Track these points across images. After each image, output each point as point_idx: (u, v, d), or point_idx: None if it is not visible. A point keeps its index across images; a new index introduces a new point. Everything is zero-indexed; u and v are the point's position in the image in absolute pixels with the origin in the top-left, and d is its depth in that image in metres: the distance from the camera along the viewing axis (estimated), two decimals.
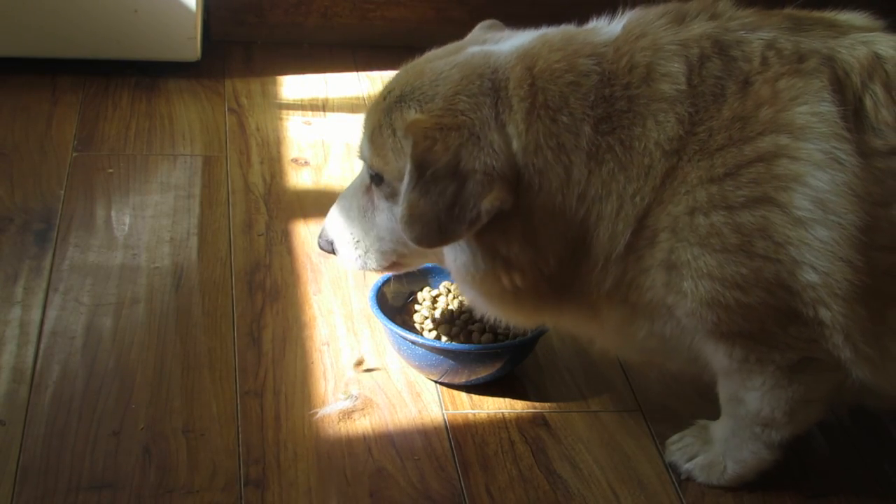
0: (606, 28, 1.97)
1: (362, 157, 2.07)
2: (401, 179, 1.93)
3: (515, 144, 1.88)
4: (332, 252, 2.19)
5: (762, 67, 1.87)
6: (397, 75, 2.04)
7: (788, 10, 1.98)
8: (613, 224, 1.90)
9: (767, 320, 1.91)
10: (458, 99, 1.90)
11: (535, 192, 1.89)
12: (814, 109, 1.83)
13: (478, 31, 2.14)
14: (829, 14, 1.98)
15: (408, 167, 1.89)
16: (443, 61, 1.98)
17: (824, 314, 1.87)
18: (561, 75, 1.90)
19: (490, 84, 1.90)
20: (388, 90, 2.01)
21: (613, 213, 1.89)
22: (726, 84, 1.87)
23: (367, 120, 2.05)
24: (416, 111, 1.92)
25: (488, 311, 2.09)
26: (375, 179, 2.05)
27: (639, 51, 1.90)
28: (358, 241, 2.12)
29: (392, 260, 2.14)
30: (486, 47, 2.00)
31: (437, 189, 1.86)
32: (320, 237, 2.21)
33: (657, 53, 1.89)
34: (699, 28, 1.92)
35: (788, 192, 1.82)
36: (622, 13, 1.99)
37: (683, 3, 1.98)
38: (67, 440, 2.14)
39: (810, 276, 1.84)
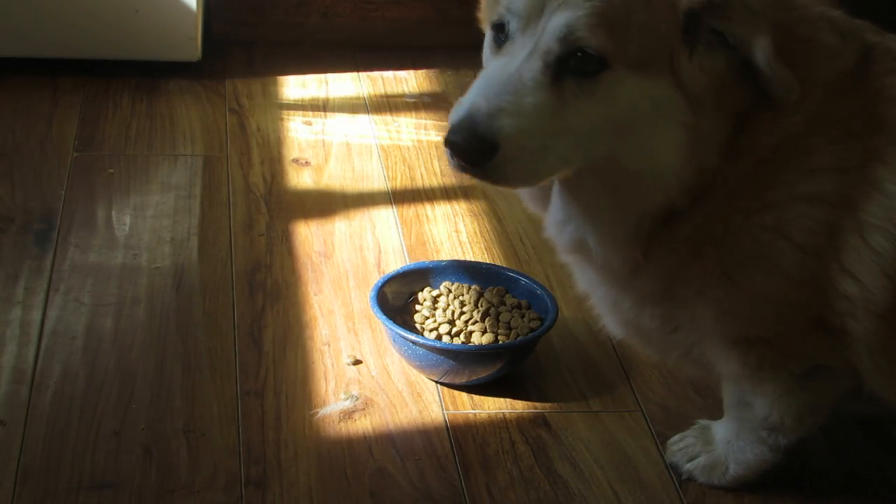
0: None
1: (577, 40, 1.64)
2: (650, 66, 1.67)
3: None
4: (479, 154, 1.65)
5: (875, 60, 1.82)
6: None
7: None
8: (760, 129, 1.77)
9: (792, 325, 1.89)
10: None
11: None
12: None
13: None
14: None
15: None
16: None
17: (852, 326, 1.85)
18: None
19: None
20: None
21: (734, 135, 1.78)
22: (864, 72, 1.82)
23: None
24: None
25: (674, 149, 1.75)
26: (590, 70, 1.65)
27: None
28: (538, 147, 1.68)
29: (559, 170, 1.75)
30: None
31: None
32: (467, 131, 1.64)
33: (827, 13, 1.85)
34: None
35: (867, 196, 1.79)
36: None
37: None
38: (68, 440, 2.14)
39: (850, 288, 1.82)
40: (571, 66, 1.67)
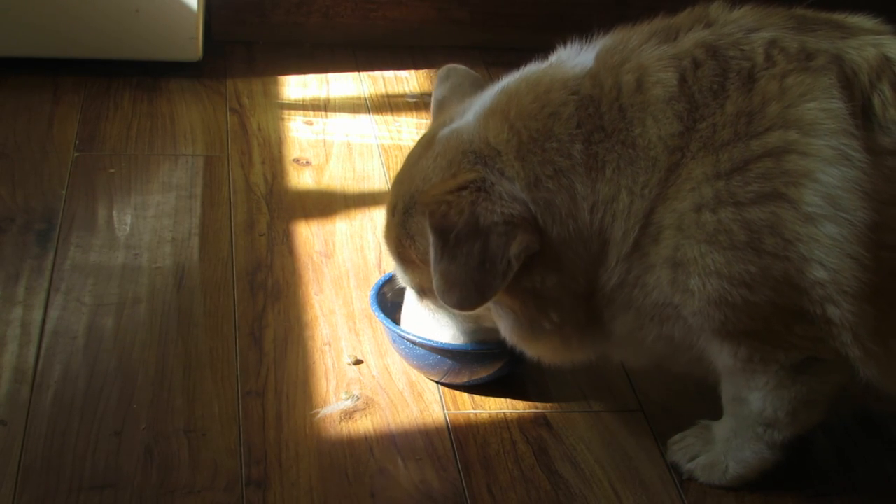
0: (575, 61, 1.98)
1: (403, 282, 2.18)
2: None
3: (518, 186, 1.91)
4: None
5: (767, 64, 1.88)
6: (392, 191, 2.09)
7: (795, 10, 1.98)
8: (626, 220, 1.91)
9: (773, 319, 1.90)
10: (456, 171, 1.95)
11: (550, 225, 1.91)
12: (823, 106, 1.83)
13: (438, 85, 2.21)
14: (839, 16, 1.98)
15: (430, 239, 1.90)
16: (424, 159, 2.02)
17: (833, 312, 1.87)
18: (538, 112, 1.93)
19: (473, 154, 1.95)
20: (393, 207, 2.07)
21: (626, 208, 1.90)
22: (727, 81, 1.88)
23: (388, 245, 2.13)
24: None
25: (556, 360, 2.14)
26: (421, 295, 2.19)
27: (624, 73, 1.92)
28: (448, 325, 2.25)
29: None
30: (454, 126, 2.03)
31: (463, 251, 1.88)
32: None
33: (645, 71, 1.91)
34: (692, 39, 1.92)
35: (799, 187, 1.82)
36: (593, 38, 2.00)
37: (672, 19, 1.98)
38: (69, 440, 2.14)
39: (819, 273, 1.84)
40: None
